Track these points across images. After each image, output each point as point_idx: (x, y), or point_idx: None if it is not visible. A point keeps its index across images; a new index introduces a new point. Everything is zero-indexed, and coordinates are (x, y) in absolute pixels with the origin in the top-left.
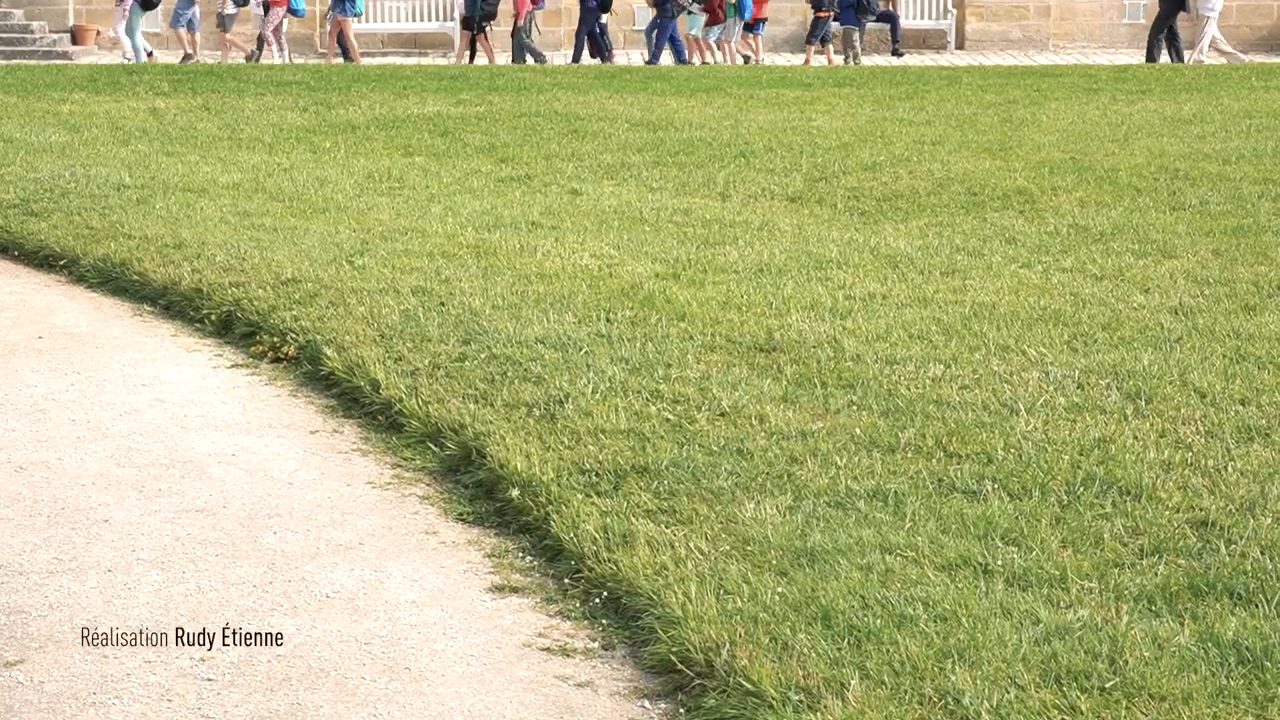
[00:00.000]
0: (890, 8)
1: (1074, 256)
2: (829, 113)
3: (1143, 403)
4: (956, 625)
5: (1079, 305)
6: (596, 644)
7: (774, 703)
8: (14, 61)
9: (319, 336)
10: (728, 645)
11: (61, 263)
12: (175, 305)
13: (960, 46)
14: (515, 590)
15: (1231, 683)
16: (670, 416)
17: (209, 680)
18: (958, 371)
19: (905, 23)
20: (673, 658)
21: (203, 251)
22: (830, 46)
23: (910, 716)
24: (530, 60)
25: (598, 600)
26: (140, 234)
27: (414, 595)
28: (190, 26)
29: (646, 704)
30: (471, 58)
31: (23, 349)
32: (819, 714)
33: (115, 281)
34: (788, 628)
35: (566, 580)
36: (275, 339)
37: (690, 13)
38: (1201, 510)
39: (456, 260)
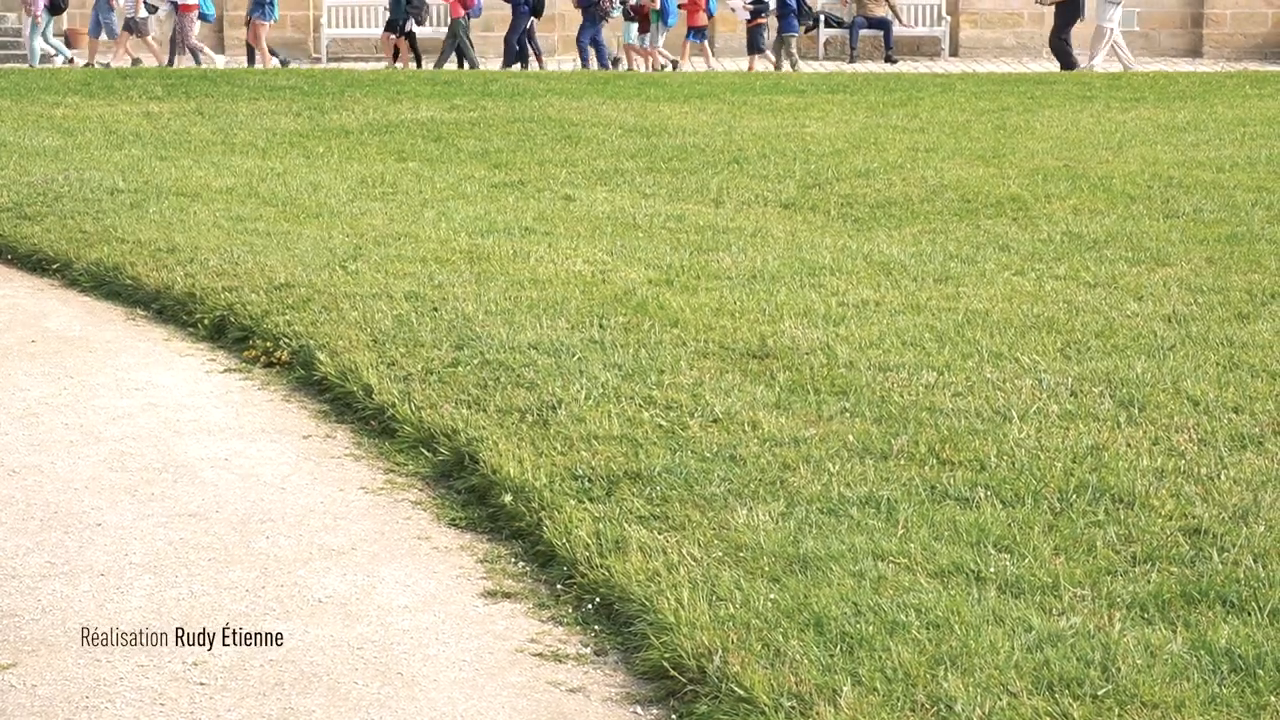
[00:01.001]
0: (887, 14)
1: (1067, 264)
2: (823, 119)
3: (1136, 410)
4: (949, 632)
5: (1072, 313)
6: (589, 650)
7: (766, 709)
8: (7, 65)
9: (312, 341)
10: (720, 651)
11: (55, 266)
12: (168, 310)
13: (954, 54)
14: (508, 596)
15: (1224, 690)
16: (663, 423)
17: (202, 684)
18: (951, 379)
19: (899, 30)
20: (665, 664)
21: (196, 256)
22: (768, 53)
23: None
24: (465, 65)
25: (590, 606)
26: (134, 238)
27: (406, 600)
28: (110, 33)
29: (639, 710)
30: (394, 59)
31: (15, 353)
32: None
33: (108, 285)
34: (780, 634)
35: (559, 586)
36: (268, 344)
37: (616, 15)
38: (1194, 518)
39: (449, 266)
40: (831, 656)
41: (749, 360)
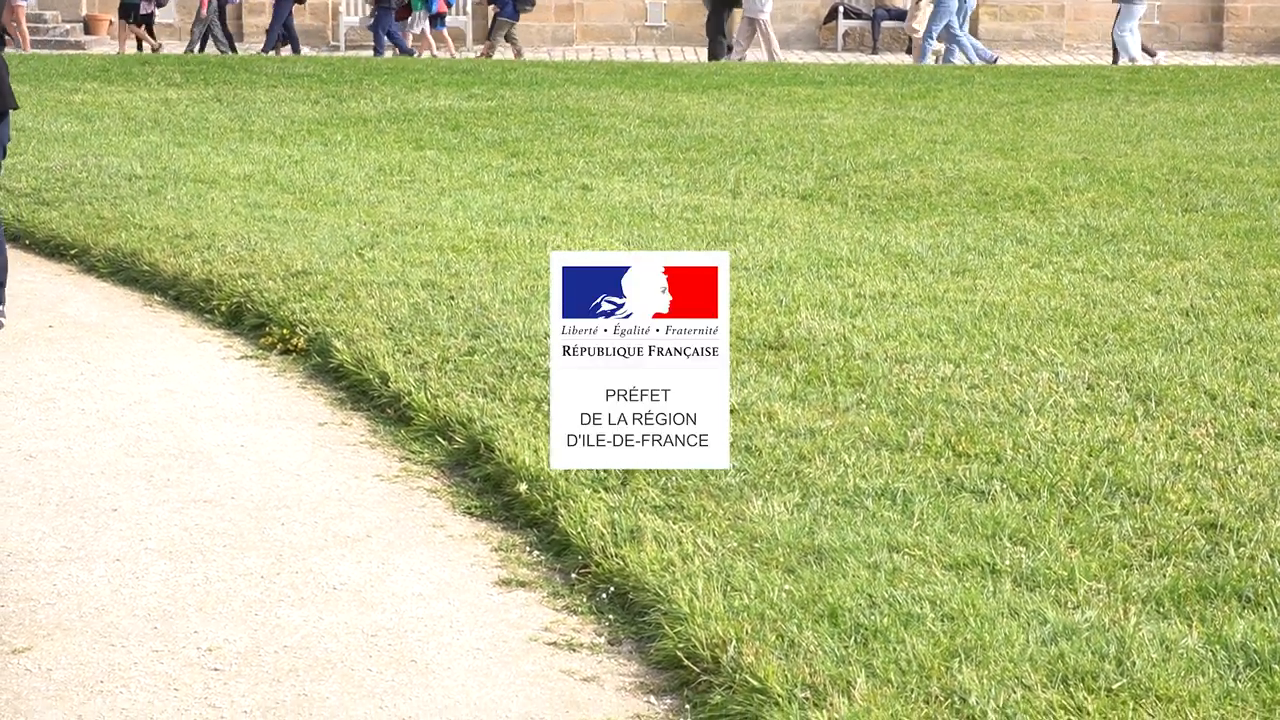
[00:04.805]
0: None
1: (1085, 257)
2: (841, 110)
3: (1153, 404)
4: (963, 624)
5: (1090, 306)
6: (603, 639)
7: (780, 700)
8: (27, 50)
9: (328, 329)
10: (734, 642)
11: (72, 252)
12: (185, 296)
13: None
14: (522, 584)
15: (1239, 685)
16: None
17: (216, 670)
18: (967, 371)
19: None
20: (679, 654)
21: (213, 242)
22: (504, 40)
23: (916, 715)
24: (213, 50)
25: (604, 595)
26: (151, 224)
27: (421, 588)
28: None
29: (652, 699)
30: (140, 47)
31: (33, 338)
32: (825, 712)
33: (126, 271)
34: (794, 625)
35: (573, 575)
36: (285, 331)
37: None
38: (1211, 512)
39: (466, 254)
40: (846, 648)
41: (765, 351)
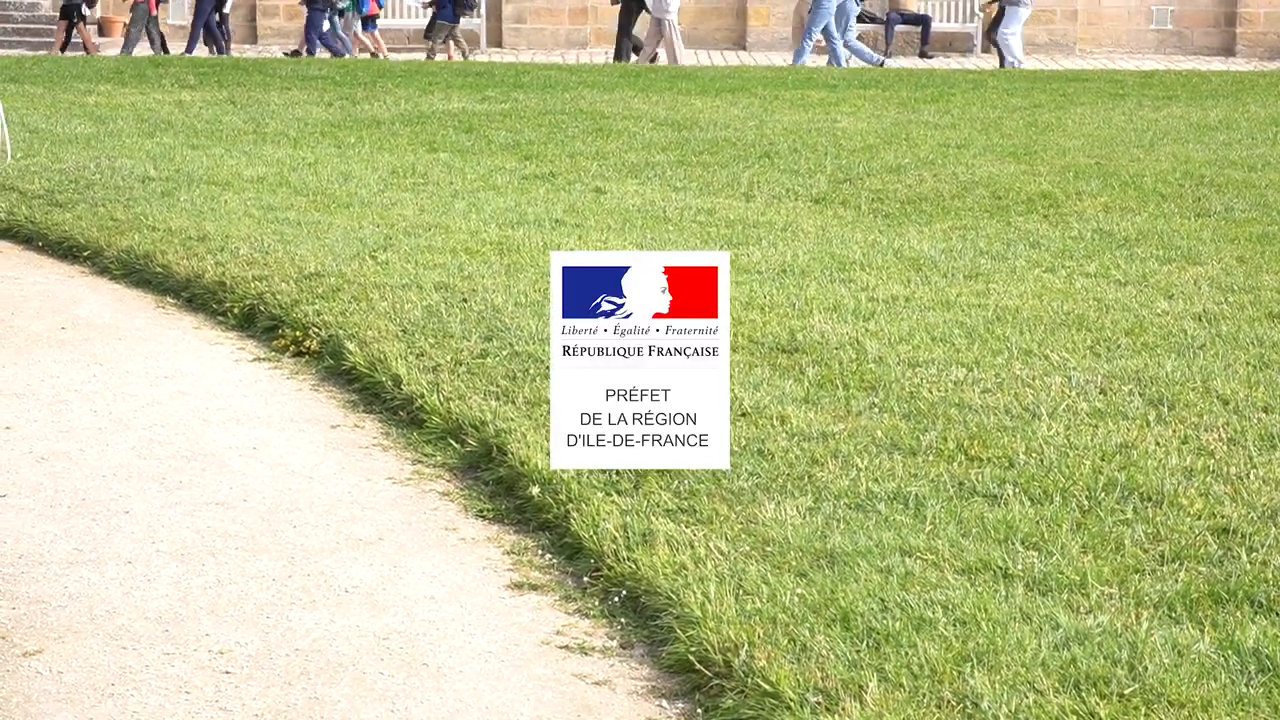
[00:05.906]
0: (924, 10)
1: (1098, 262)
2: (854, 114)
3: (1165, 409)
4: (975, 629)
5: (1102, 310)
6: (615, 643)
7: (792, 704)
8: (41, 52)
9: (341, 331)
10: (746, 646)
11: (86, 254)
12: (198, 298)
13: (986, 50)
14: (534, 588)
15: (1251, 691)
16: None
17: (227, 673)
18: (980, 375)
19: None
20: (691, 657)
21: (226, 245)
22: (451, 43)
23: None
24: (145, 49)
25: (616, 599)
26: (164, 226)
27: (433, 591)
28: None
29: (664, 703)
30: (64, 48)
31: (46, 340)
32: (837, 716)
33: (139, 273)
34: (806, 629)
35: (585, 578)
36: (297, 333)
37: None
38: (1223, 517)
39: (479, 257)
40: (858, 652)
41: (778, 354)
